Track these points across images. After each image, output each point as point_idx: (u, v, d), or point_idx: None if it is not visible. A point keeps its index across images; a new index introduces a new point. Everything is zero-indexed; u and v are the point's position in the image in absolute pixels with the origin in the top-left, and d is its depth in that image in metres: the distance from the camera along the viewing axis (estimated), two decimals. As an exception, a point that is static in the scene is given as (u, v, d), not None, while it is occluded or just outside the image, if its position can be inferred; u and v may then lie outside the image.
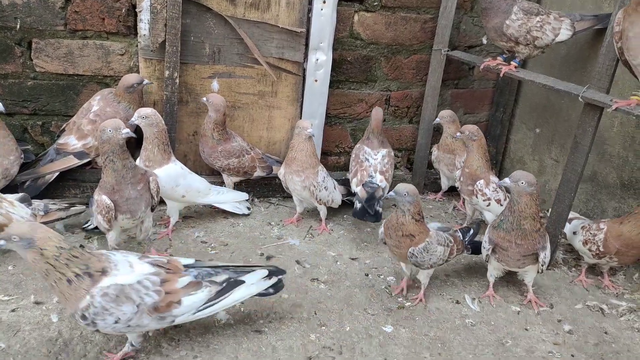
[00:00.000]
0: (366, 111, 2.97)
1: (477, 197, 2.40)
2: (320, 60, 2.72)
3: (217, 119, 2.45)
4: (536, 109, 2.97)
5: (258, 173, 2.61)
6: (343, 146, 3.04)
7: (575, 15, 2.43)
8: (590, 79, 2.19)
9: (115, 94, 2.41)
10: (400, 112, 3.06)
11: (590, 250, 2.15)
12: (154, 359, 1.61)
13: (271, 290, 1.73)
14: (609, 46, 2.07)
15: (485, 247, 2.04)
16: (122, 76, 2.46)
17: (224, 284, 1.63)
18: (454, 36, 2.92)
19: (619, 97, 1.99)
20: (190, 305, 1.56)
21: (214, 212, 2.54)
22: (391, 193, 1.89)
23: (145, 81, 2.40)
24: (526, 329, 1.93)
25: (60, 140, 2.38)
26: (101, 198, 1.91)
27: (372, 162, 2.54)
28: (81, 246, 2.16)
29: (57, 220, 2.12)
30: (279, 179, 2.50)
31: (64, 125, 2.46)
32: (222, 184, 2.60)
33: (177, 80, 2.51)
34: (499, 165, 3.21)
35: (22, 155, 2.30)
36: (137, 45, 2.52)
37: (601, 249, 2.10)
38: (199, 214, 2.54)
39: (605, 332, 1.95)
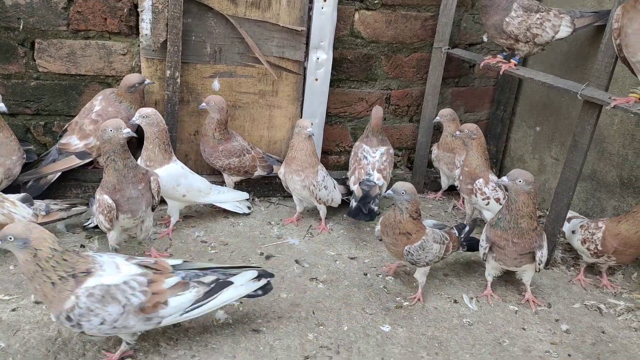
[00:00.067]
0: (366, 110, 2.97)
1: (476, 196, 2.40)
2: (320, 59, 2.72)
3: (221, 119, 2.46)
4: (536, 107, 2.97)
5: (259, 172, 2.62)
6: (343, 145, 3.05)
7: (575, 12, 2.42)
8: (590, 76, 2.19)
9: (117, 93, 2.43)
10: (401, 110, 3.06)
11: (588, 249, 2.15)
12: (152, 358, 1.63)
13: (260, 292, 1.73)
14: (608, 43, 2.06)
15: (483, 246, 2.05)
16: (124, 76, 2.48)
17: (212, 285, 1.62)
18: (454, 34, 2.91)
19: (619, 95, 1.99)
20: (178, 306, 1.56)
21: (215, 212, 2.56)
22: (389, 192, 1.91)
23: (147, 81, 2.42)
24: (524, 329, 1.94)
25: (63, 140, 2.41)
26: (103, 198, 1.93)
27: (371, 160, 2.55)
28: (82, 246, 2.19)
29: (59, 220, 2.14)
30: (280, 178, 2.52)
31: (66, 125, 2.48)
32: (222, 183, 2.62)
33: (179, 80, 2.52)
34: (499, 163, 3.21)
35: (25, 156, 2.32)
36: (139, 45, 2.54)
37: (599, 248, 2.11)
38: (200, 214, 2.56)
39: (603, 332, 1.96)
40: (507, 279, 2.21)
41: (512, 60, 2.44)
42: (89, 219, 2.25)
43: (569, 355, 1.82)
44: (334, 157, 3.07)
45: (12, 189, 2.24)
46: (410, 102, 3.05)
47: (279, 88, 2.73)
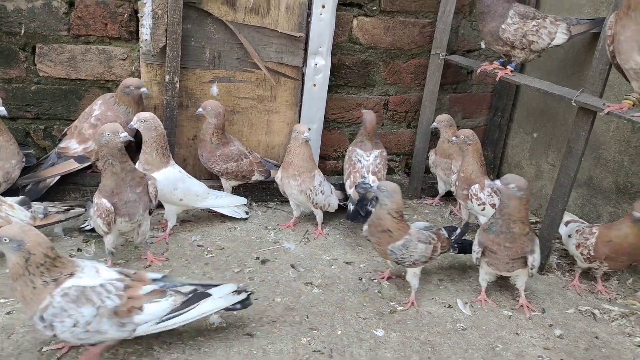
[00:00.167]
0: (374, 120, 2.98)
1: (471, 201, 2.41)
2: (319, 65, 2.75)
3: (218, 124, 2.48)
4: (534, 114, 2.98)
5: (256, 177, 2.64)
6: (341, 150, 3.06)
7: (571, 19, 2.43)
8: (585, 83, 2.21)
9: (116, 98, 2.45)
10: (399, 116, 3.08)
11: (582, 254, 2.16)
12: (129, 358, 1.64)
13: (238, 306, 1.71)
14: (602, 50, 2.08)
15: (475, 250, 2.06)
16: (123, 81, 2.51)
17: (190, 295, 1.61)
18: (452, 40, 2.93)
19: (614, 101, 2.00)
20: (153, 314, 1.54)
21: (212, 216, 2.58)
22: (373, 187, 1.96)
23: (144, 89, 2.43)
24: (517, 334, 1.94)
25: (62, 144, 2.43)
26: (101, 201, 1.95)
27: (365, 163, 2.57)
28: (79, 250, 2.20)
29: (57, 222, 2.16)
30: (277, 183, 2.53)
31: (66, 130, 2.51)
32: (220, 188, 2.64)
33: (178, 85, 2.55)
34: (496, 169, 3.22)
35: (24, 159, 2.35)
36: (138, 50, 2.57)
37: (592, 253, 2.11)
38: (197, 218, 2.58)
39: (596, 337, 1.96)
40: (502, 284, 2.21)
41: (508, 66, 2.45)
42: (85, 220, 2.27)
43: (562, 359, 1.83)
44: (332, 162, 3.08)
45: (11, 192, 2.27)
46: (408, 108, 3.07)
47: (277, 93, 2.75)
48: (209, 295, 1.64)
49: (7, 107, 2.26)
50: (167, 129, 2.37)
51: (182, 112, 2.66)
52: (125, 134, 1.94)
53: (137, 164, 2.23)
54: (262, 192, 2.79)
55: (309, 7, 2.63)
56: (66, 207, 2.19)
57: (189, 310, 1.59)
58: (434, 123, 2.76)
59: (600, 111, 2.00)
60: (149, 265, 2.13)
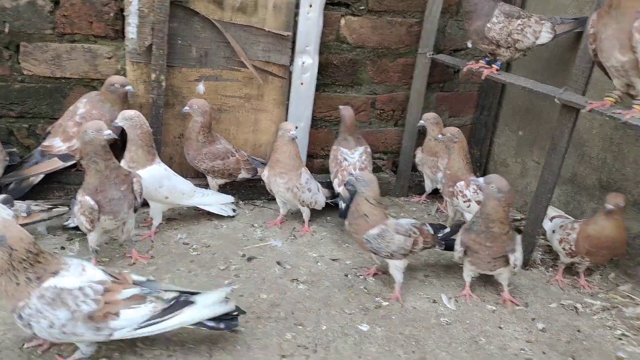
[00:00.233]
0: (352, 115, 3.00)
1: (457, 198, 2.43)
2: (306, 64, 2.75)
3: (205, 122, 2.48)
4: (519, 112, 3.01)
5: (243, 175, 2.64)
6: (329, 149, 3.04)
7: (556, 19, 2.46)
8: (569, 81, 2.23)
9: (101, 96, 2.44)
10: (386, 115, 3.10)
11: (564, 249, 2.19)
12: (128, 358, 1.63)
13: (222, 325, 1.60)
14: (585, 49, 2.11)
15: (457, 250, 2.08)
16: (109, 80, 2.50)
17: (172, 302, 1.54)
18: (439, 40, 2.95)
19: (598, 99, 2.03)
20: (131, 320, 1.49)
21: (198, 215, 2.57)
22: (350, 177, 2.04)
23: (129, 87, 2.42)
24: (500, 327, 1.96)
25: (46, 143, 2.42)
26: (85, 199, 1.94)
27: (351, 161, 2.58)
28: (62, 248, 2.19)
29: (40, 221, 2.14)
30: (264, 181, 2.53)
31: (49, 128, 2.49)
32: (207, 186, 2.63)
33: (164, 84, 2.54)
34: (482, 167, 3.24)
35: (7, 158, 2.33)
36: (124, 49, 2.56)
37: (573, 248, 2.14)
38: (183, 216, 2.57)
39: (578, 330, 1.98)
40: (486, 279, 2.23)
41: (494, 65, 2.48)
42: (70, 218, 2.25)
43: (544, 353, 1.84)
44: (320, 160, 3.09)
45: (-6, 191, 2.25)
46: (395, 107, 3.09)
47: (264, 92, 2.76)
48: (192, 303, 1.56)
49: (-10, 105, 2.24)
50: (153, 127, 2.37)
51: (169, 110, 2.65)
52: (109, 132, 1.93)
53: (122, 161, 2.22)
54: (249, 190, 2.79)
55: (297, 6, 2.64)
56: (50, 206, 2.18)
57: (169, 318, 1.53)
58: (421, 121, 2.78)
59: (583, 108, 2.03)
60: (134, 263, 2.13)
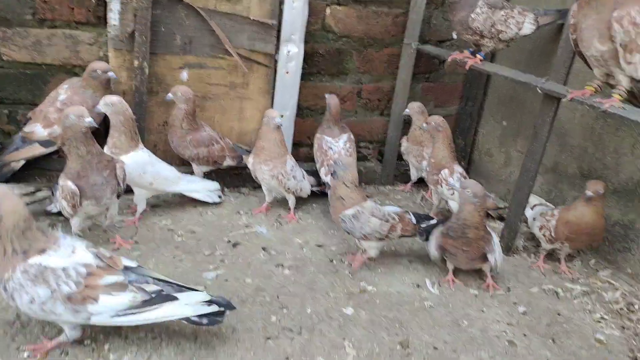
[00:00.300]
0: (338, 103, 3.00)
1: (441, 186, 2.45)
2: (291, 53, 2.75)
3: (188, 109, 2.47)
4: (504, 102, 3.04)
5: (228, 162, 2.63)
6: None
7: (539, 10, 2.50)
8: (551, 71, 2.26)
9: (83, 82, 2.41)
10: (372, 104, 3.11)
11: (544, 235, 2.23)
12: (112, 339, 1.63)
13: (205, 321, 1.57)
14: (566, 40, 2.14)
15: (432, 254, 2.12)
16: (92, 66, 2.47)
17: (154, 295, 1.52)
18: (424, 31, 2.97)
19: (579, 90, 2.06)
20: (109, 306, 1.49)
21: (184, 202, 2.56)
22: (331, 162, 2.07)
23: (111, 74, 2.38)
24: (482, 311, 1.99)
25: (26, 129, 2.37)
26: (66, 184, 1.92)
27: (336, 149, 2.59)
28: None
29: (22, 206, 2.11)
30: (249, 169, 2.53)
31: (30, 114, 2.45)
32: (192, 174, 2.61)
33: (147, 70, 2.52)
34: (467, 157, 3.27)
35: (-12, 144, 2.30)
36: (106, 35, 2.52)
37: (553, 234, 2.18)
38: (168, 203, 2.56)
39: (559, 314, 2.02)
40: (470, 266, 2.26)
41: (477, 55, 2.50)
42: (52, 203, 2.22)
43: (525, 335, 1.88)
44: (305, 149, 3.08)
45: (-27, 176, 2.21)
46: (381, 97, 3.10)
47: (249, 80, 2.75)
48: (174, 298, 1.54)
49: (-31, 90, 2.20)
50: (136, 114, 2.34)
51: (152, 98, 2.63)
52: (91, 119, 1.91)
53: (105, 147, 2.20)
54: (234, 178, 2.78)
55: (282, -6, 2.64)
56: (33, 190, 2.15)
57: (147, 311, 1.52)
58: (406, 110, 2.80)
59: (564, 97, 2.06)
60: (117, 249, 2.11)
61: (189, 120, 2.48)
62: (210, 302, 1.57)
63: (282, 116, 2.67)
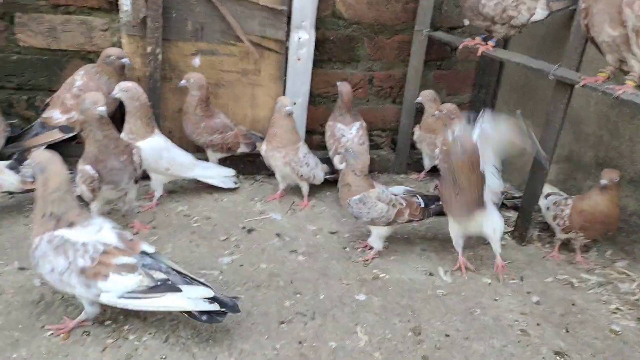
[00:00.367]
0: (350, 91, 2.99)
1: (454, 174, 2.44)
2: (302, 39, 2.73)
3: (201, 96, 2.48)
4: (517, 90, 3.02)
5: (242, 149, 2.64)
6: (327, 125, 3.07)
7: None
8: (563, 57, 2.24)
9: (98, 68, 2.42)
10: (384, 92, 3.10)
11: (558, 225, 2.22)
12: (132, 321, 1.67)
13: (204, 317, 1.56)
14: (578, 26, 2.10)
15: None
16: (106, 52, 2.48)
17: (159, 283, 1.55)
18: (436, 17, 2.94)
19: (593, 75, 2.03)
20: (117, 286, 1.52)
21: (199, 188, 2.58)
22: (342, 150, 2.09)
23: (125, 60, 2.40)
24: (495, 300, 1.99)
25: (45, 115, 2.40)
26: (85, 168, 1.96)
27: (349, 137, 2.59)
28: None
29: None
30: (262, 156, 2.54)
31: (48, 100, 2.48)
32: (207, 160, 2.63)
33: (160, 57, 2.52)
34: (480, 145, 3.25)
35: (9, 129, 2.33)
36: (119, 21, 2.53)
37: (567, 223, 2.17)
38: (184, 189, 2.59)
39: (573, 304, 2.01)
40: (483, 254, 2.26)
41: (489, 42, 2.47)
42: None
43: (538, 324, 1.87)
44: (318, 137, 3.08)
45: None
46: (393, 84, 3.08)
47: (261, 67, 2.74)
48: (178, 290, 1.55)
49: (-13, 77, 2.23)
50: (151, 101, 2.35)
51: (166, 84, 2.64)
52: (104, 109, 1.92)
53: (121, 133, 2.22)
54: (248, 165, 2.79)
55: (292, -20, 2.62)
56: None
57: (151, 297, 1.54)
58: (419, 97, 2.78)
59: (577, 84, 2.04)
60: (136, 233, 2.15)
61: (202, 107, 2.50)
62: (213, 300, 1.56)
63: (294, 103, 2.67)
